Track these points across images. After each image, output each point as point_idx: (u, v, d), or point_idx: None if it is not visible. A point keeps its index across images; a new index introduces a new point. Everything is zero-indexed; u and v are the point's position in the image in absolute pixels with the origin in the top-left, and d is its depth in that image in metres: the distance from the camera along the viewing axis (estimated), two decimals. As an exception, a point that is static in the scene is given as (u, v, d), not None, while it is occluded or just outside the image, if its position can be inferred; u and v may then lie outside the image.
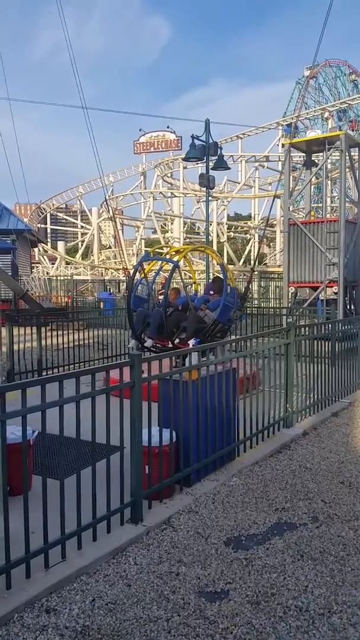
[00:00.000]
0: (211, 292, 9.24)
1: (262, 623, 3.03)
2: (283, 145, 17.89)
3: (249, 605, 3.21)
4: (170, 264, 9.25)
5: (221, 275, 9.16)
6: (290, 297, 16.95)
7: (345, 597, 3.28)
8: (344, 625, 3.02)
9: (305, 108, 50.32)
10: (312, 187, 26.21)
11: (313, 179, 19.82)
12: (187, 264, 10.48)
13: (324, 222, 15.78)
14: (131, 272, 10.25)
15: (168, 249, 11.23)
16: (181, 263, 11.22)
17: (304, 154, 18.64)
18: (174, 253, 9.78)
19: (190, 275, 11.73)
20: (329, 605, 3.21)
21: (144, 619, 3.06)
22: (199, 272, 33.29)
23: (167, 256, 9.76)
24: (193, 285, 11.33)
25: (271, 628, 2.99)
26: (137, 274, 9.13)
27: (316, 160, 18.19)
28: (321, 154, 17.22)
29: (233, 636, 2.92)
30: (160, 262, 10.55)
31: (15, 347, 9.46)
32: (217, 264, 9.09)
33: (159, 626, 3.00)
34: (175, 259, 9.04)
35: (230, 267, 46.34)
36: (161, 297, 9.42)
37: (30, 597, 3.17)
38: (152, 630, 2.97)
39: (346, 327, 9.48)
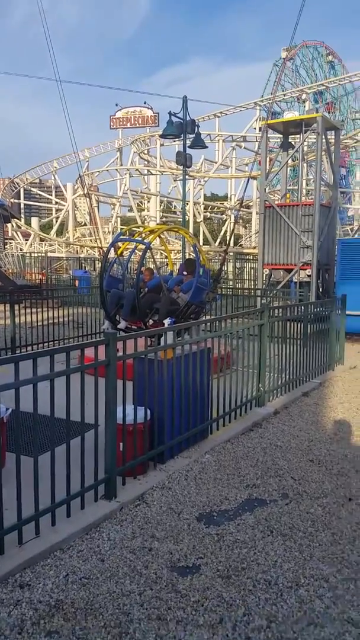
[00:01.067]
0: (184, 273, 9.24)
1: (232, 596, 3.12)
2: (260, 128, 17.81)
3: (220, 579, 3.29)
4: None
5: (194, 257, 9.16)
6: (264, 279, 17.07)
7: (312, 571, 3.39)
8: (311, 597, 3.13)
9: (282, 90, 50.03)
10: (288, 169, 26.23)
11: (289, 161, 19.84)
12: (162, 244, 10.42)
13: (299, 205, 15.86)
14: (104, 252, 10.16)
15: (142, 228, 11.10)
16: (156, 243, 11.17)
17: (281, 136, 18.62)
18: (148, 233, 9.71)
19: (166, 255, 11.69)
20: (296, 579, 3.31)
21: (117, 593, 3.11)
22: (175, 252, 33.20)
23: (142, 236, 9.69)
24: (168, 265, 11.29)
25: (241, 600, 3.08)
26: (111, 253, 9.06)
27: (293, 143, 18.19)
28: (298, 136, 17.24)
29: (204, 609, 3.00)
30: (147, 227, 10.47)
31: (-12, 324, 9.34)
32: (191, 245, 9.05)
33: (132, 600, 3.06)
34: (149, 239, 8.99)
35: (206, 247, 46.29)
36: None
37: (4, 573, 3.19)
38: (124, 604, 3.02)
39: (318, 309, 9.61)
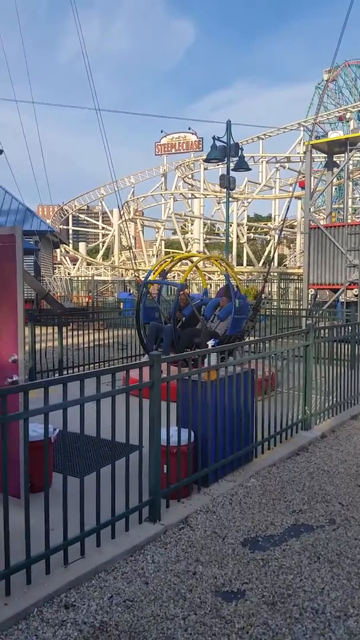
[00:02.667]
0: (222, 298, 9.20)
1: (278, 624, 3.05)
2: (305, 148, 17.80)
3: (265, 605, 3.22)
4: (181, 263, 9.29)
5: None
6: (310, 299, 16.86)
7: (362, 600, 3.27)
8: (361, 628, 3.02)
9: (325, 111, 49.78)
10: (333, 188, 25.99)
11: (334, 180, 19.67)
12: (199, 274, 10.51)
13: (344, 225, 15.66)
14: (141, 281, 10.31)
15: (183, 252, 11.21)
16: (190, 273, 11.18)
17: (324, 155, 18.53)
18: (184, 260, 9.83)
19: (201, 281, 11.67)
20: (345, 609, 3.21)
21: (160, 617, 3.10)
22: (218, 273, 33.21)
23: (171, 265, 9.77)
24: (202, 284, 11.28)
25: (287, 629, 3.01)
26: (145, 288, 9.23)
27: (338, 162, 18.05)
28: (343, 155, 17.11)
29: (249, 636, 2.95)
30: (173, 259, 10.55)
31: (37, 346, 9.60)
32: (222, 274, 9.04)
33: (176, 624, 3.03)
34: (180, 280, 9.12)
35: (249, 268, 46.18)
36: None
37: (49, 593, 3.24)
38: (168, 628, 3.00)
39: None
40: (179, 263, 14.85)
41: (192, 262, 10.45)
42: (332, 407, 7.43)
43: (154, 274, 9.64)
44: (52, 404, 3.45)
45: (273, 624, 3.04)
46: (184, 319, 8.89)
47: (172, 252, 50.50)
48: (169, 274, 10.55)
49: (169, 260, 10.15)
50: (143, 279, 10.07)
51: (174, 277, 27.50)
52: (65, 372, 9.69)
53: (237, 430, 5.33)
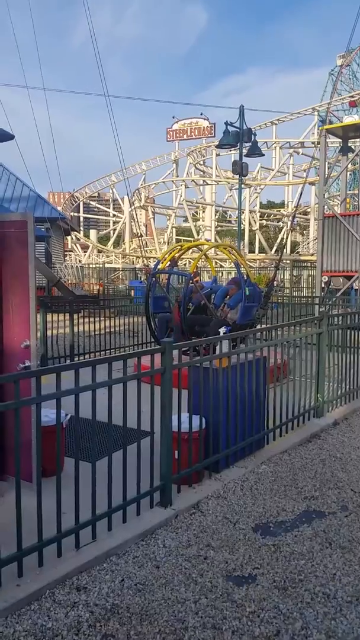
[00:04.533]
0: (232, 286, 9.13)
1: (289, 608, 3.06)
2: (320, 133, 17.56)
3: (277, 590, 3.23)
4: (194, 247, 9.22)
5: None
6: (323, 286, 16.73)
7: (373, 587, 3.27)
8: (372, 614, 3.02)
9: (339, 95, 48.91)
10: (348, 174, 25.64)
11: (349, 166, 19.40)
12: (208, 263, 10.43)
13: (359, 214, 15.46)
14: (150, 270, 10.27)
15: (194, 239, 11.10)
16: (210, 253, 11.07)
17: (339, 141, 18.27)
18: (195, 248, 9.73)
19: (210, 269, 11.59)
20: (357, 594, 3.20)
21: (172, 600, 3.12)
22: (229, 260, 33.08)
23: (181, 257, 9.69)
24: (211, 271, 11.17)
25: (298, 613, 3.01)
26: (154, 278, 9.20)
27: (352, 147, 17.80)
28: (358, 140, 16.86)
29: (260, 620, 2.96)
30: (182, 248, 10.49)
31: (49, 332, 9.64)
32: (232, 263, 8.90)
33: (187, 607, 3.05)
34: (189, 270, 9.03)
35: (261, 255, 45.91)
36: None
37: (61, 575, 3.27)
38: (179, 611, 3.02)
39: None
40: (190, 251, 14.77)
41: (201, 250, 10.39)
42: (345, 394, 7.38)
43: (162, 263, 9.61)
44: (64, 389, 3.46)
45: (284, 608, 3.05)
46: (192, 307, 8.86)
47: (183, 240, 50.34)
48: (179, 262, 10.50)
49: (177, 249, 10.10)
50: (152, 269, 10.03)
51: (185, 264, 27.39)
52: (76, 359, 9.72)
53: (249, 417, 5.32)
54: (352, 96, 45.45)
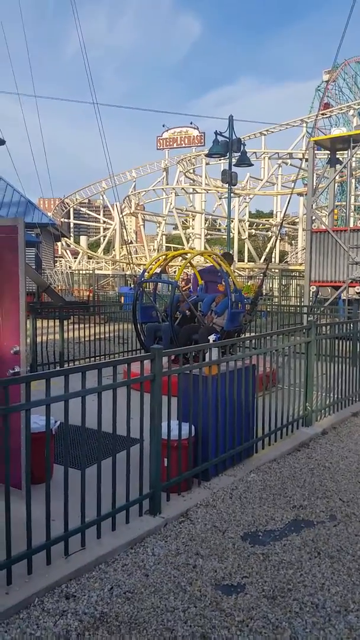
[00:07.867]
0: (218, 294, 9.15)
1: (278, 618, 3.05)
2: (308, 144, 17.75)
3: (265, 599, 3.23)
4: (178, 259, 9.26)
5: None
6: (311, 296, 16.84)
7: (362, 596, 3.28)
8: (360, 623, 3.03)
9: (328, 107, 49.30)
10: (336, 185, 25.92)
11: (337, 178, 19.62)
12: (192, 269, 10.46)
13: (347, 230, 15.63)
14: (138, 278, 10.29)
15: (184, 247, 11.14)
16: (200, 260, 11.14)
17: (327, 152, 18.48)
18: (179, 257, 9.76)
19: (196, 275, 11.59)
20: (345, 604, 3.21)
21: (161, 609, 3.10)
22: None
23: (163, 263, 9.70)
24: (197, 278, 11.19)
25: (287, 623, 3.01)
26: (140, 287, 9.23)
27: (340, 159, 18.01)
28: (346, 151, 17.06)
29: (249, 629, 2.95)
30: (167, 257, 10.50)
31: (38, 339, 9.59)
32: (219, 271, 8.90)
33: (176, 616, 3.04)
34: (175, 278, 9.02)
35: (250, 264, 46.11)
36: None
37: (50, 583, 3.24)
38: (168, 619, 3.01)
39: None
40: (179, 258, 14.76)
41: (185, 259, 10.44)
42: (333, 403, 7.43)
43: (148, 272, 9.64)
44: (54, 395, 3.45)
45: (273, 618, 3.05)
46: (180, 315, 8.90)
47: (173, 248, 50.41)
48: (169, 270, 10.53)
49: (162, 258, 10.13)
50: (138, 278, 10.04)
51: (174, 272, 27.44)
52: (66, 365, 9.68)
53: (238, 425, 5.33)
54: (340, 109, 46.03)
